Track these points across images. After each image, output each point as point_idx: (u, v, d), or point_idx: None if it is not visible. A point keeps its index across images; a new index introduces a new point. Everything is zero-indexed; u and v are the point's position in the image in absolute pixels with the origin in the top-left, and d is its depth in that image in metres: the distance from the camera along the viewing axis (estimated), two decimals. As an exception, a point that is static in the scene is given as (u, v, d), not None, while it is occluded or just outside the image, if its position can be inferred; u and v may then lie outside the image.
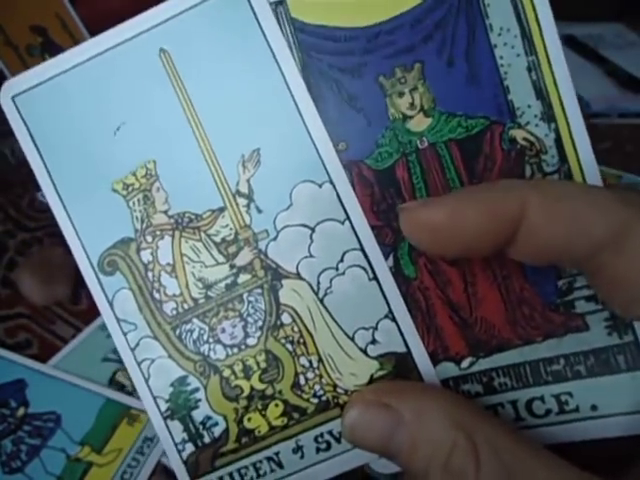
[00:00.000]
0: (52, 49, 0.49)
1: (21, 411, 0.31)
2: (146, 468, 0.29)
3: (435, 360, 0.18)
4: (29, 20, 0.49)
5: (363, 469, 0.29)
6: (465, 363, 0.18)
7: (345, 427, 0.18)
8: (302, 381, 0.19)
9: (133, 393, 0.33)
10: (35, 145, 0.19)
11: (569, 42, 0.76)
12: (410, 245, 0.18)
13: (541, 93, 0.18)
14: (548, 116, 0.18)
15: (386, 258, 0.18)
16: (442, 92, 0.18)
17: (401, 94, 0.18)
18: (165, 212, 0.19)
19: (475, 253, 0.17)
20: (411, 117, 0.18)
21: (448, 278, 0.18)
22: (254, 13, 0.18)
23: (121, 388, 0.33)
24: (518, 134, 0.18)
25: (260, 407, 0.19)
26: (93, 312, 0.37)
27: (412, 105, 0.18)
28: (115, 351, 0.36)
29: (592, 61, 0.71)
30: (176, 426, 0.19)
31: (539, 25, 0.17)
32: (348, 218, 0.18)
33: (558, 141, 0.18)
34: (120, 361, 0.34)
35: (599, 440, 0.18)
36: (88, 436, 0.30)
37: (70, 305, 0.38)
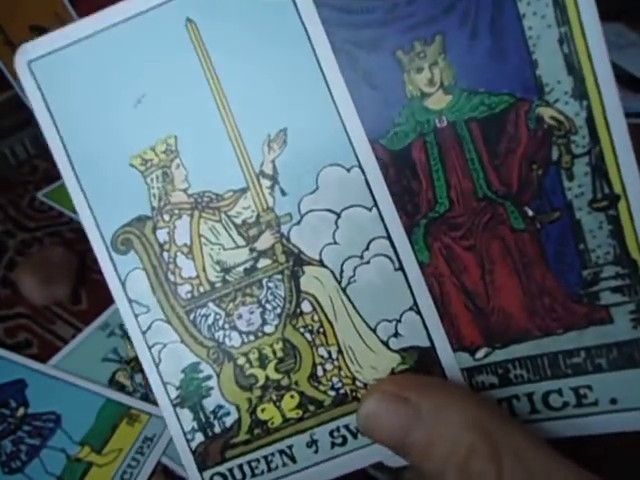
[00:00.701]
0: (52, 49, 0.49)
1: (21, 411, 0.31)
2: (146, 468, 0.29)
3: None
4: (29, 19, 0.49)
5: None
6: (480, 353, 0.18)
7: (360, 416, 0.17)
8: (320, 372, 0.19)
9: (133, 393, 0.32)
10: (50, 114, 0.18)
11: (569, 42, 0.76)
12: (425, 228, 0.18)
13: (573, 68, 0.16)
14: (580, 93, 0.16)
15: None
16: (464, 67, 0.17)
17: (420, 69, 0.17)
18: (184, 190, 0.19)
19: None
20: (430, 94, 0.17)
21: (464, 265, 0.18)
22: None
23: (121, 388, 0.33)
24: (545, 112, 0.17)
25: (275, 398, 0.19)
26: (93, 312, 0.37)
27: (431, 82, 0.17)
28: (115, 351, 0.36)
29: (592, 61, 0.71)
30: (186, 414, 0.19)
31: None
32: (376, 205, 0.18)
33: (590, 120, 0.16)
34: (120, 361, 0.34)
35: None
36: (88, 436, 0.30)
37: (70, 305, 0.38)
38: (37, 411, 0.31)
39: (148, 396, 0.32)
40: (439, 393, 0.17)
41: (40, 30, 0.49)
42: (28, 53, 0.18)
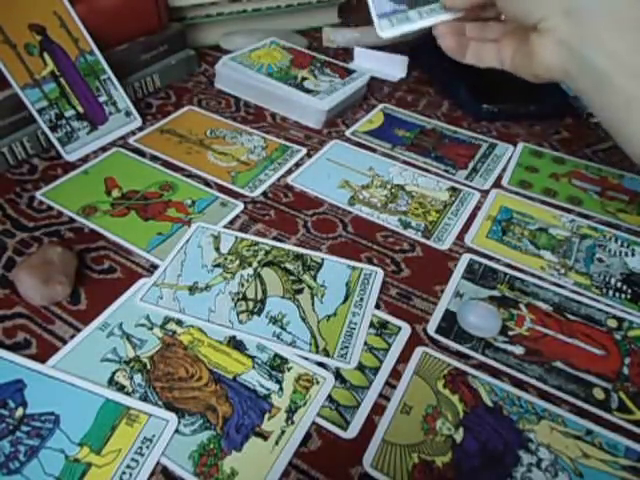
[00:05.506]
0: (51, 48, 0.49)
1: (20, 411, 0.31)
2: (145, 469, 0.29)
3: None
4: (28, 18, 0.49)
5: (363, 468, 0.29)
6: None
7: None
8: None
9: (132, 393, 0.32)
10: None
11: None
12: None
13: None
14: None
15: None
16: None
17: None
18: None
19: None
20: None
21: None
22: None
23: (120, 388, 0.33)
24: None
25: None
26: (92, 312, 0.37)
27: None
28: (114, 351, 0.36)
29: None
30: None
31: None
32: None
33: None
34: (119, 361, 0.34)
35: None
36: (87, 437, 0.30)
37: (69, 305, 0.38)
38: (36, 411, 0.31)
39: (148, 396, 0.32)
40: None
41: (39, 28, 0.49)
42: None
